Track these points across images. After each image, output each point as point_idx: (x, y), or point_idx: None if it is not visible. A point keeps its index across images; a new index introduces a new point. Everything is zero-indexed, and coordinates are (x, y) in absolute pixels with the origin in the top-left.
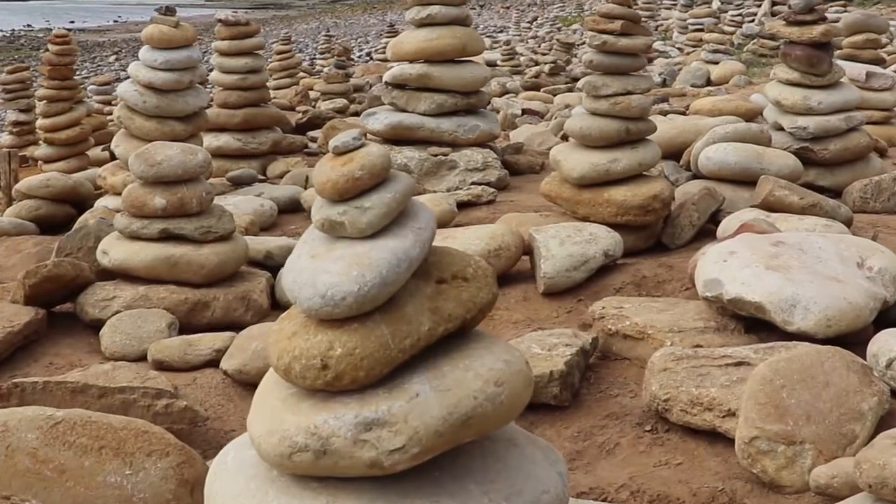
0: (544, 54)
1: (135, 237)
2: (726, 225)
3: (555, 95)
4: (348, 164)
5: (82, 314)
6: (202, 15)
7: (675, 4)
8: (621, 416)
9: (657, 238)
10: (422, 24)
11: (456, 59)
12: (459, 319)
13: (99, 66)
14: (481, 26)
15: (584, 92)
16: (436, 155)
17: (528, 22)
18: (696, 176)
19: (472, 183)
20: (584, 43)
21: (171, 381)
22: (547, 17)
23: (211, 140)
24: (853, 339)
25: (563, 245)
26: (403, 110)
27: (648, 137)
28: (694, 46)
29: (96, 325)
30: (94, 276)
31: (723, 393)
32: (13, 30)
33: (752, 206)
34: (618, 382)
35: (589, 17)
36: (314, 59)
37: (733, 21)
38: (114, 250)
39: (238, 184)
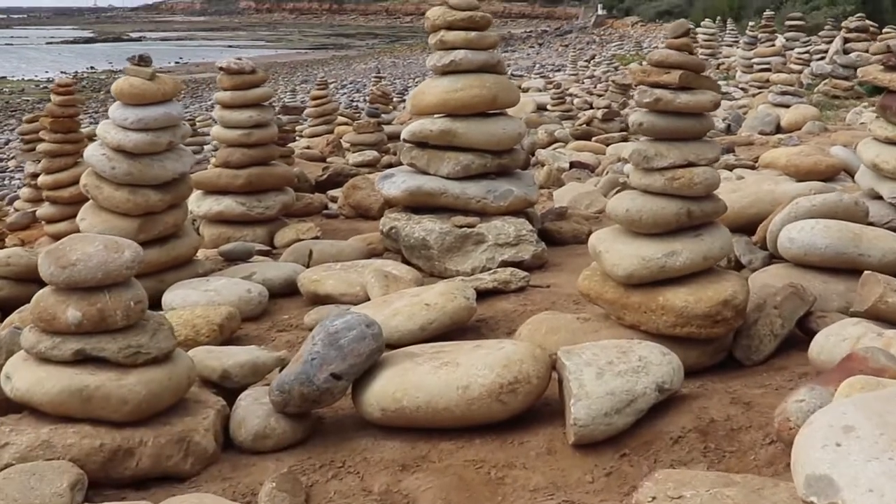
0: (600, 95)
1: (43, 359)
2: (823, 344)
3: (608, 145)
4: None
5: None
6: (263, 56)
7: (736, 41)
8: None
9: (727, 351)
10: (445, 71)
11: (485, 111)
12: None
13: None
14: (538, 65)
15: (633, 163)
16: (461, 226)
17: (586, 61)
18: (774, 257)
19: (503, 262)
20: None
21: None
22: (605, 56)
23: (212, 204)
24: None
25: (602, 377)
26: (424, 172)
27: (716, 220)
28: (760, 87)
29: None
30: None
31: None
32: (76, 72)
33: (854, 313)
34: None
35: (638, 69)
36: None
37: (800, 59)
38: (18, 376)
39: (231, 259)
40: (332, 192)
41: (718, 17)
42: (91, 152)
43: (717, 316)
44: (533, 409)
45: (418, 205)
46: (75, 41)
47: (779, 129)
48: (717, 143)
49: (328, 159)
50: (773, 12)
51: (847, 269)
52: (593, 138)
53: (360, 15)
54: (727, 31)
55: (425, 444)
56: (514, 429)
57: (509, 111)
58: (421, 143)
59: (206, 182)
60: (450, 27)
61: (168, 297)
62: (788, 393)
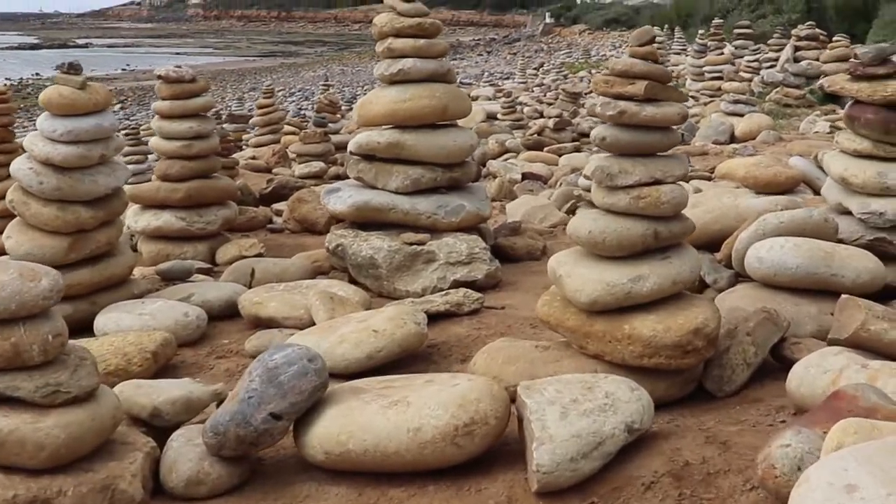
0: (550, 104)
1: None
2: (803, 377)
3: (560, 155)
4: None
5: None
6: (211, 63)
7: (684, 49)
8: None
9: (697, 382)
10: (393, 80)
11: (435, 122)
12: None
13: None
14: (487, 73)
15: (595, 181)
16: (411, 244)
17: (535, 69)
18: (740, 276)
19: (455, 282)
20: (591, 92)
21: None
22: (554, 64)
23: (150, 219)
24: None
25: (567, 417)
26: (372, 186)
27: (684, 241)
28: (711, 96)
29: None
30: None
31: None
32: (21, 78)
33: (833, 341)
34: None
35: (600, 78)
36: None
37: (750, 67)
38: None
39: (169, 278)
40: (276, 206)
41: (666, 26)
42: (17, 166)
43: (687, 346)
44: (491, 451)
45: (366, 220)
46: (20, 47)
47: (733, 139)
48: (684, 158)
49: (274, 170)
50: (721, 20)
51: (819, 289)
52: (545, 148)
53: (309, 22)
54: (675, 39)
55: (374, 491)
56: (471, 474)
57: (460, 122)
58: (368, 156)
59: (145, 196)
60: (398, 34)
61: (100, 321)
62: (768, 431)
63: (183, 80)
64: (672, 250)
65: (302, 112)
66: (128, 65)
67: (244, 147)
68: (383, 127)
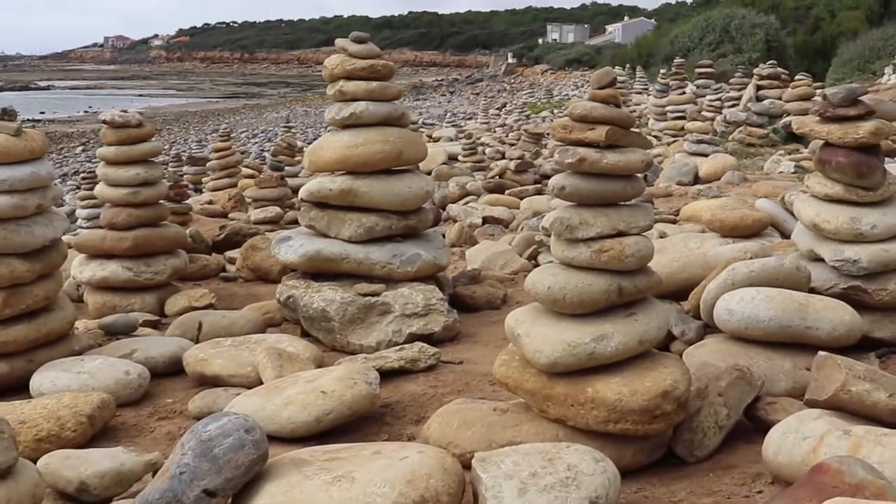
0: (512, 144)
1: None
2: (781, 443)
3: (521, 198)
4: None
5: None
6: (173, 105)
7: (646, 88)
8: None
9: (666, 447)
10: (345, 125)
11: (390, 168)
12: None
13: (65, 157)
14: (450, 113)
15: (554, 234)
16: (365, 295)
17: (497, 109)
18: (709, 326)
19: (411, 335)
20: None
21: None
22: (516, 104)
23: (95, 269)
24: None
25: (525, 494)
26: (324, 235)
27: (649, 296)
28: (674, 136)
29: None
30: None
31: None
32: None
33: (811, 402)
34: None
35: (558, 124)
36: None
37: (712, 106)
38: None
39: (112, 333)
40: (229, 253)
41: (627, 65)
42: None
43: (655, 410)
44: None
45: (318, 271)
46: None
47: (697, 179)
48: (649, 207)
49: (230, 215)
50: (682, 59)
51: (793, 343)
52: (507, 191)
53: (272, 63)
54: (636, 79)
55: None
56: None
57: (421, 164)
58: (320, 203)
59: (90, 245)
60: (349, 77)
61: (37, 380)
62: None
63: (129, 125)
64: (638, 306)
65: (264, 153)
66: (90, 107)
67: (202, 191)
68: (336, 173)
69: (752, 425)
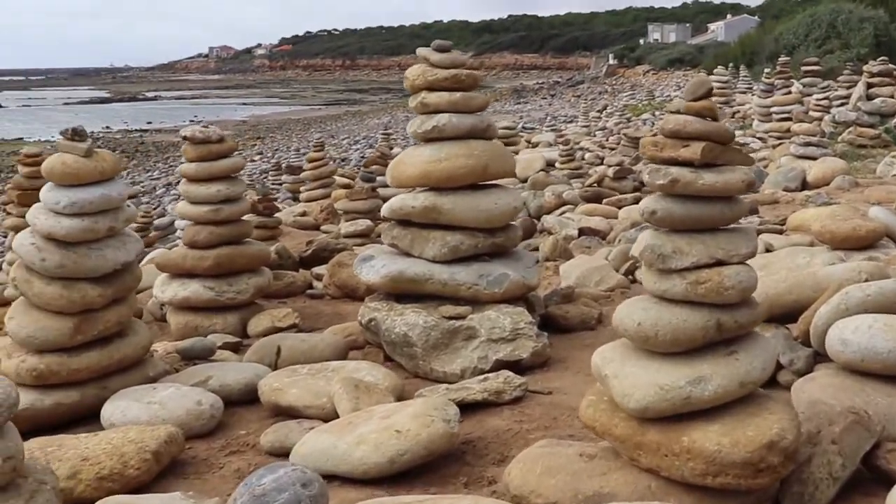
0: (612, 149)
1: None
2: None
3: (620, 207)
4: None
5: None
6: (276, 113)
7: (750, 88)
8: None
9: (773, 501)
10: (427, 138)
11: (476, 183)
12: None
13: (171, 166)
14: (550, 116)
15: (645, 263)
16: (450, 318)
17: (598, 111)
18: (819, 354)
19: (497, 362)
20: (655, 135)
21: None
22: (616, 106)
23: (177, 289)
24: None
25: None
26: (408, 254)
27: (754, 330)
28: (779, 137)
29: None
30: None
31: None
32: (91, 132)
33: None
34: None
35: (648, 141)
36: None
37: (819, 106)
38: None
39: (189, 357)
40: (316, 270)
41: (731, 64)
42: (20, 241)
43: (760, 463)
44: None
45: (402, 292)
46: (91, 101)
47: (805, 185)
48: (752, 233)
49: (322, 228)
50: (787, 58)
51: None
52: (604, 200)
53: (373, 70)
54: (740, 78)
55: None
56: None
57: (518, 171)
58: (403, 221)
59: (171, 264)
60: (431, 88)
61: (107, 410)
62: None
63: (210, 141)
64: (739, 343)
65: (364, 160)
66: (195, 116)
67: (297, 201)
68: (418, 189)
69: (871, 475)
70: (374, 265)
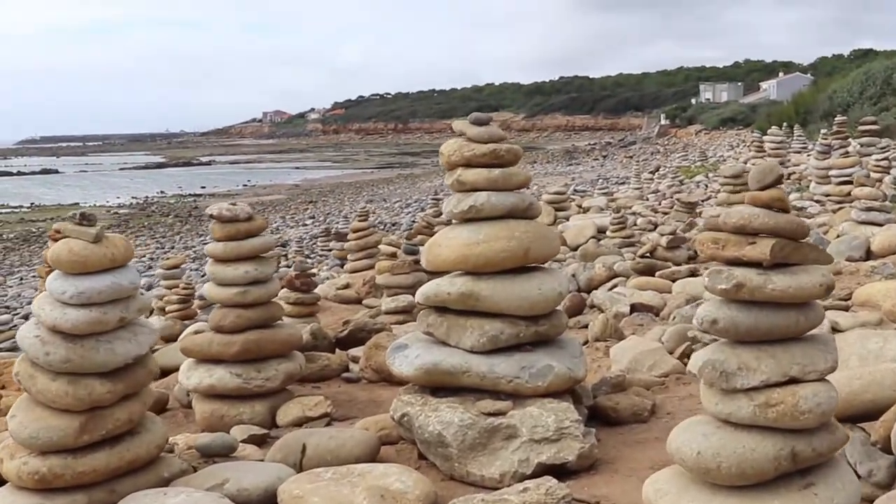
0: (665, 213)
1: None
2: None
3: (674, 280)
4: None
5: None
6: (329, 176)
7: (805, 147)
8: None
9: None
10: (464, 218)
11: (517, 267)
12: None
13: None
14: (602, 178)
15: (705, 382)
16: (488, 414)
17: (650, 173)
18: None
19: (540, 465)
20: (708, 199)
21: None
22: (669, 168)
23: (202, 376)
24: None
25: None
26: (444, 343)
27: (834, 456)
28: (839, 202)
29: None
30: None
31: None
32: (146, 197)
33: None
34: None
35: (708, 238)
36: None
37: (879, 167)
38: None
39: (208, 455)
40: (353, 352)
41: (784, 123)
42: (23, 334)
43: None
44: None
45: (437, 385)
46: (147, 166)
47: (869, 254)
48: (831, 342)
49: (364, 301)
50: (844, 117)
51: None
52: (657, 273)
53: (425, 133)
54: (794, 137)
55: None
56: None
57: (568, 237)
58: (440, 308)
59: (196, 349)
60: (468, 164)
61: None
62: None
63: (238, 220)
64: (817, 473)
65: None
66: (249, 180)
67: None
68: (454, 273)
69: None
70: (408, 355)
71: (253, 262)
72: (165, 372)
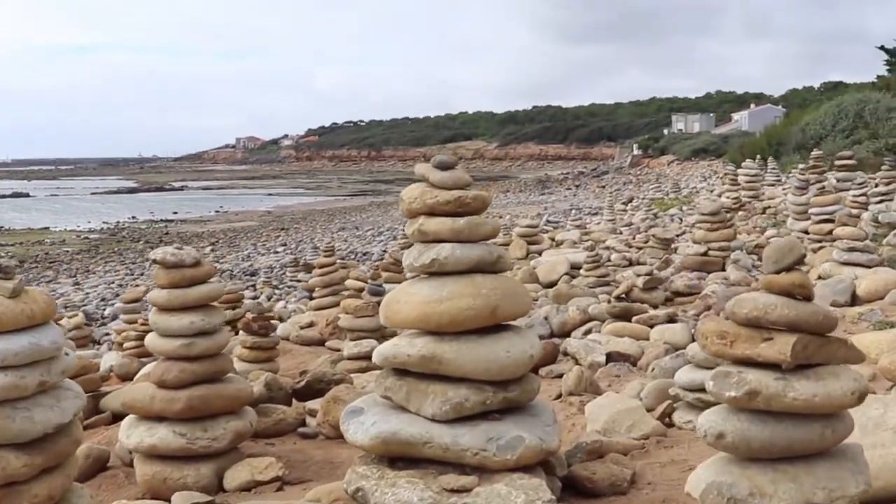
0: (640, 248)
1: None
2: None
3: (651, 326)
4: None
5: None
6: (302, 203)
7: (778, 180)
8: None
9: None
10: (426, 272)
11: (484, 327)
12: None
13: None
14: (574, 208)
15: None
16: (451, 490)
17: (623, 203)
18: None
19: None
20: (683, 234)
21: None
22: (642, 199)
23: (143, 435)
24: None
25: None
26: (404, 409)
27: None
28: (818, 241)
29: None
30: None
31: None
32: (117, 222)
33: None
34: None
35: (712, 330)
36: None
37: (857, 202)
38: None
39: None
40: (310, 404)
41: (758, 156)
42: None
43: None
44: None
45: (395, 455)
46: (119, 191)
47: (854, 299)
48: (860, 455)
49: (328, 344)
50: (820, 151)
51: None
52: (633, 318)
53: (399, 160)
54: (768, 170)
55: None
56: None
57: (540, 273)
58: (398, 370)
59: (137, 406)
60: (431, 212)
61: None
62: None
63: (183, 265)
64: None
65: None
66: (221, 206)
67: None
68: (415, 332)
69: None
70: (364, 422)
71: (199, 311)
72: (118, 417)
